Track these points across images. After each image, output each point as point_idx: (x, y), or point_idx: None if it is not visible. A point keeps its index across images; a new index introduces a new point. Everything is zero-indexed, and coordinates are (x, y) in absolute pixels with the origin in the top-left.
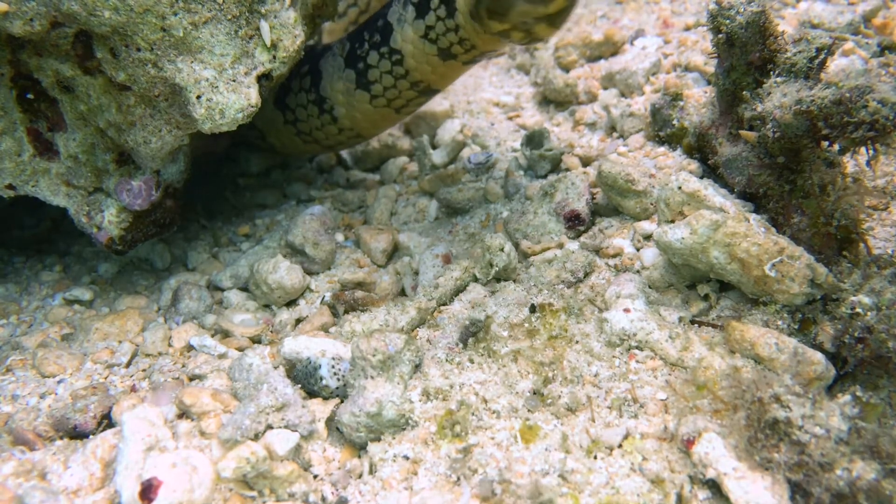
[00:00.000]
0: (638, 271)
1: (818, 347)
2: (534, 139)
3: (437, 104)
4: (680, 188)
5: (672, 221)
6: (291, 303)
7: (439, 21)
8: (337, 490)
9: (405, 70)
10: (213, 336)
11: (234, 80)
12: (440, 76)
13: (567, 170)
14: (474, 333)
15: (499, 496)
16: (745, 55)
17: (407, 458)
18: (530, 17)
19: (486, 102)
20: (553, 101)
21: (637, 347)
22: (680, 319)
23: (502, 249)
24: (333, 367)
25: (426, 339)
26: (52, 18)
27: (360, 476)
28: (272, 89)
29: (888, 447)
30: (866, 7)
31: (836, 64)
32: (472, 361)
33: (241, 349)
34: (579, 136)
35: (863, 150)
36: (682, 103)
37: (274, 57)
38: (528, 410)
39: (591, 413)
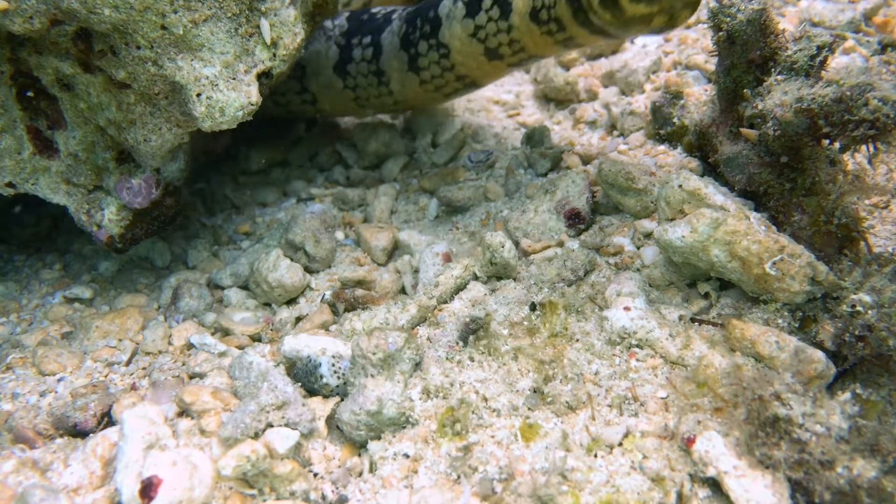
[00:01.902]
0: (638, 269)
1: (818, 345)
2: (534, 137)
3: None
4: (680, 186)
5: (672, 220)
6: (292, 301)
7: (490, 21)
8: (337, 488)
9: (451, 64)
10: (213, 334)
11: (234, 78)
12: (484, 73)
13: (567, 168)
14: (475, 331)
15: (499, 494)
16: (746, 53)
17: (407, 456)
18: (680, 2)
19: (486, 100)
20: (553, 99)
21: (637, 346)
22: (680, 318)
23: (503, 247)
24: (334, 365)
25: (426, 338)
26: (51, 16)
27: (361, 474)
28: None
29: (889, 445)
30: (867, 5)
31: (836, 62)
32: (472, 359)
33: (241, 347)
34: (580, 135)
35: (863, 148)
36: (682, 101)
37: (274, 55)
38: (529, 409)
39: (591, 411)
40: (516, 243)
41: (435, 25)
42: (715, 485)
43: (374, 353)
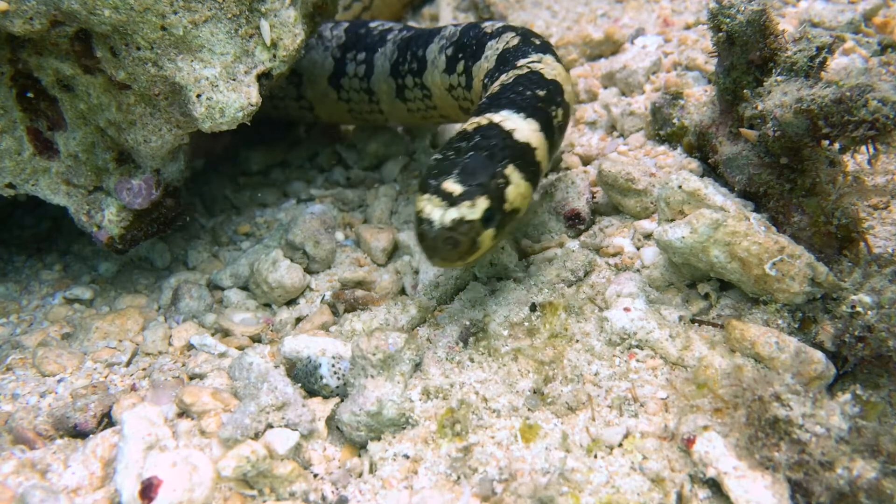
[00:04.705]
0: (638, 270)
1: (818, 346)
2: None
3: None
4: (680, 187)
5: (672, 220)
6: (291, 302)
7: (459, 87)
8: (337, 489)
9: (434, 104)
10: (213, 335)
11: (234, 79)
12: (465, 119)
13: (567, 169)
14: (474, 332)
15: (499, 495)
16: (746, 54)
17: (407, 457)
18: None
19: None
20: None
21: (637, 346)
22: (680, 318)
23: (502, 248)
24: (334, 365)
25: (426, 338)
26: (52, 17)
27: (361, 475)
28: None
29: (889, 446)
30: (867, 6)
31: (836, 63)
32: (472, 360)
33: (241, 348)
34: (579, 135)
35: (863, 148)
36: (682, 102)
37: (274, 56)
38: (529, 409)
39: (591, 412)
40: (516, 244)
41: (421, 66)
42: (715, 485)
43: (374, 354)
